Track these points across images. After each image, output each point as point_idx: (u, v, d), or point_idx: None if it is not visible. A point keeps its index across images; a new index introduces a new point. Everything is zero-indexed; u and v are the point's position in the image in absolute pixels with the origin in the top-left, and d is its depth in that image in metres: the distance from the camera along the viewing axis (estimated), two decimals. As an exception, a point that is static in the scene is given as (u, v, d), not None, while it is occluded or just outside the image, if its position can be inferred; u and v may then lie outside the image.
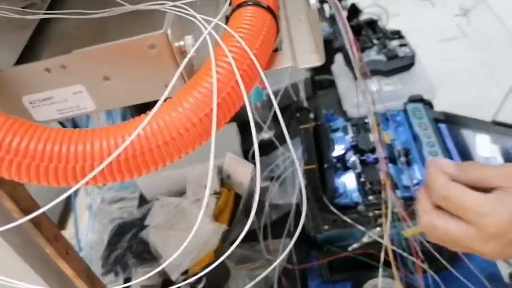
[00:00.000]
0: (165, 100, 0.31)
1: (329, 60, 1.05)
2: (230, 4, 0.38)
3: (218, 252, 0.84)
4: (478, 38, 3.00)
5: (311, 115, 0.75)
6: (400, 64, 0.91)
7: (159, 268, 0.38)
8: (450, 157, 0.64)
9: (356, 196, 0.64)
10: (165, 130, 0.30)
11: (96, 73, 0.35)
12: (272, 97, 0.35)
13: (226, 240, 0.86)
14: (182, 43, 0.34)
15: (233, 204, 0.90)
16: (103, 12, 0.36)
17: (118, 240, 0.88)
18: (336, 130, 0.73)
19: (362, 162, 0.68)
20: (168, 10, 0.35)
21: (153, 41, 0.33)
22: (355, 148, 0.70)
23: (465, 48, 2.94)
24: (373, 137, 0.72)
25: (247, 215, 0.86)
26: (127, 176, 0.31)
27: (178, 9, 0.34)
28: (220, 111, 0.31)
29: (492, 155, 0.66)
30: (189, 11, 0.34)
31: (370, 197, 0.63)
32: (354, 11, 0.95)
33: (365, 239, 0.64)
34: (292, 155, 0.57)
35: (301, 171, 0.67)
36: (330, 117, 0.75)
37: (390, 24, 1.07)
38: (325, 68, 1.06)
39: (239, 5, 0.36)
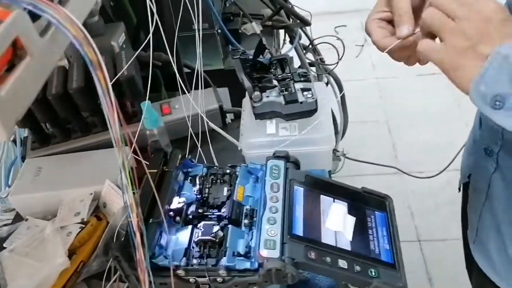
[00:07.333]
0: None
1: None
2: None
3: (69, 286, 0.78)
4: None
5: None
6: (297, 110, 0.85)
7: None
8: (289, 226, 0.59)
9: (178, 258, 0.58)
10: None
11: None
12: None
13: (80, 274, 0.80)
14: None
15: (100, 235, 0.84)
16: None
17: (-32, 260, 0.82)
18: (190, 178, 0.68)
19: (203, 218, 0.63)
20: None
21: None
22: (201, 202, 0.65)
23: (441, 85, 2.89)
24: (226, 191, 0.66)
25: (105, 252, 0.80)
26: None
27: None
28: None
29: (341, 230, 0.61)
30: None
31: (194, 261, 0.58)
32: (260, 47, 0.90)
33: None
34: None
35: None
36: (189, 163, 0.69)
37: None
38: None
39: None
